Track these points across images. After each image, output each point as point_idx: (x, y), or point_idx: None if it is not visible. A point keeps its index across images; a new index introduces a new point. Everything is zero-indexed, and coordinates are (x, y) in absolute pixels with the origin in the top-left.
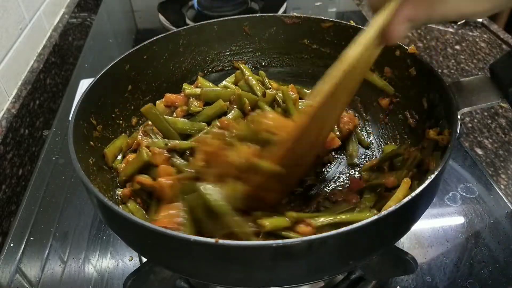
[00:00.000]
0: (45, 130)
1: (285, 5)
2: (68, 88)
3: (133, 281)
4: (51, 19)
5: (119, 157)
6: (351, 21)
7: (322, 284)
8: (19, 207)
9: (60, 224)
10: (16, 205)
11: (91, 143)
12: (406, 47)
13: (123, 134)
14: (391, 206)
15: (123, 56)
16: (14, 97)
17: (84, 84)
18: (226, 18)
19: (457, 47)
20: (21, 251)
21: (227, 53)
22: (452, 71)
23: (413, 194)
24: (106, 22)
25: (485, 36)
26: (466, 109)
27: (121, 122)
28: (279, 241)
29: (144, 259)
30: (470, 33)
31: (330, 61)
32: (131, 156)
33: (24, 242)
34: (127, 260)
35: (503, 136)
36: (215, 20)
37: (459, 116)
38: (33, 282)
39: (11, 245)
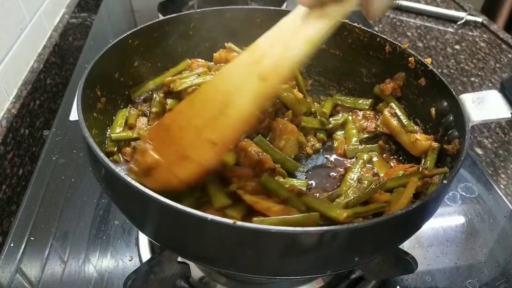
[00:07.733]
0: (45, 130)
1: (285, 5)
2: (68, 88)
3: (133, 281)
4: (51, 19)
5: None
6: (360, 25)
7: (322, 283)
8: (19, 207)
9: (60, 224)
10: (16, 205)
11: (94, 114)
12: (421, 58)
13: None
14: (403, 203)
15: (133, 30)
16: (14, 97)
17: None
18: (240, 7)
19: (457, 47)
20: (21, 251)
21: (236, 43)
22: (452, 70)
23: (427, 197)
24: (106, 22)
25: (485, 36)
26: (475, 122)
27: (122, 97)
28: (297, 229)
29: (144, 259)
30: (470, 33)
31: (339, 63)
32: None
33: (24, 242)
34: (127, 260)
35: (503, 136)
36: (228, 7)
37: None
38: (33, 282)
39: (11, 245)
